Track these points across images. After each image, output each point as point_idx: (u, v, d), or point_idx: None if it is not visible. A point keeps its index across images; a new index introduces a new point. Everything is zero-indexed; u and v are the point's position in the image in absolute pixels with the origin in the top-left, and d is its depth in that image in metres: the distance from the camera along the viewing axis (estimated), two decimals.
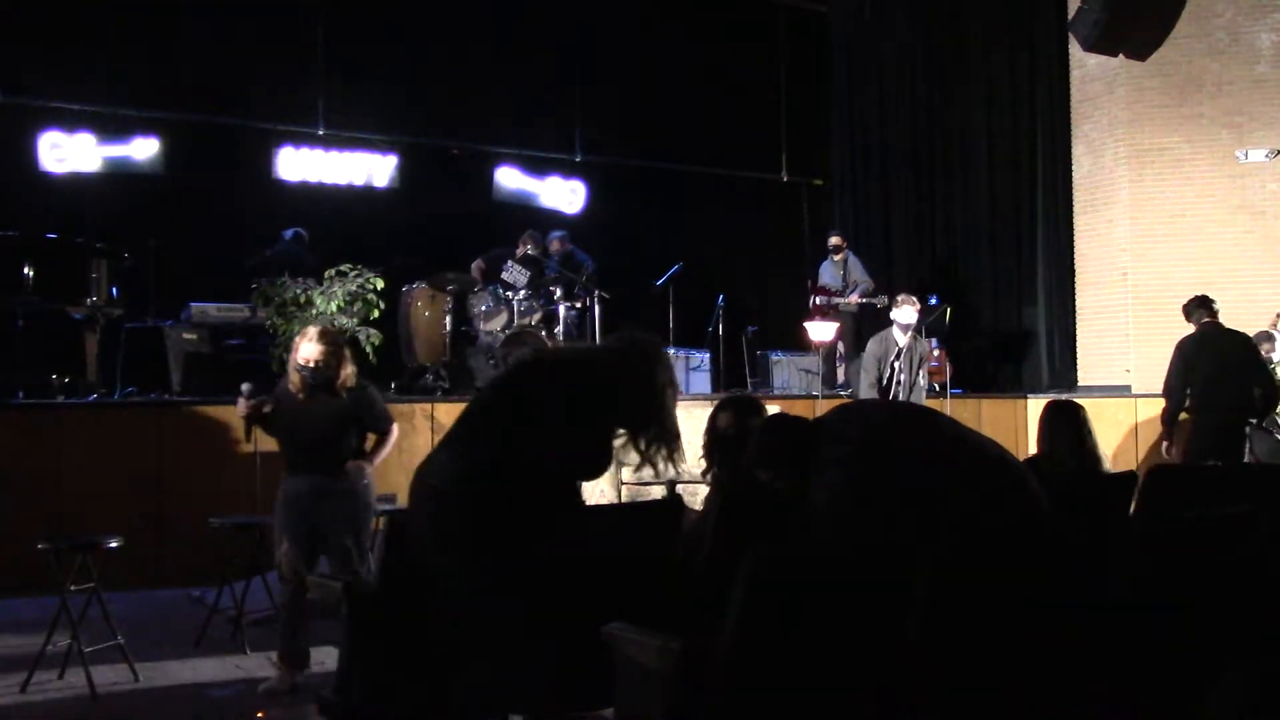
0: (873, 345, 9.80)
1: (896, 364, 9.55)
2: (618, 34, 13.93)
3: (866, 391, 9.67)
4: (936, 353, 11.16)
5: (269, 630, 6.44)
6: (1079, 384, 12.13)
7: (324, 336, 5.86)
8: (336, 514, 5.77)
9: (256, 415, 5.91)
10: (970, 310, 13.45)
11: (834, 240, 12.92)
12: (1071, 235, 12.46)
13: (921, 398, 9.63)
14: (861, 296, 12.47)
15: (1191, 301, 8.93)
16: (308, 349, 5.76)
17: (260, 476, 6.98)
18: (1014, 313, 13.39)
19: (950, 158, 13.99)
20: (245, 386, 5.96)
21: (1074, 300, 12.45)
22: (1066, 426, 5.44)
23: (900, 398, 9.47)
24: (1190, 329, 8.94)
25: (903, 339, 9.56)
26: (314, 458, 5.82)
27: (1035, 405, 11.00)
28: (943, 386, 10.95)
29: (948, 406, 9.99)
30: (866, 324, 12.33)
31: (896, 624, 3.09)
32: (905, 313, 9.62)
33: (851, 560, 3.25)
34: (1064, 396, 6.80)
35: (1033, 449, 5.93)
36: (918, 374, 9.65)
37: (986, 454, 3.79)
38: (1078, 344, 12.42)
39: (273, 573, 6.83)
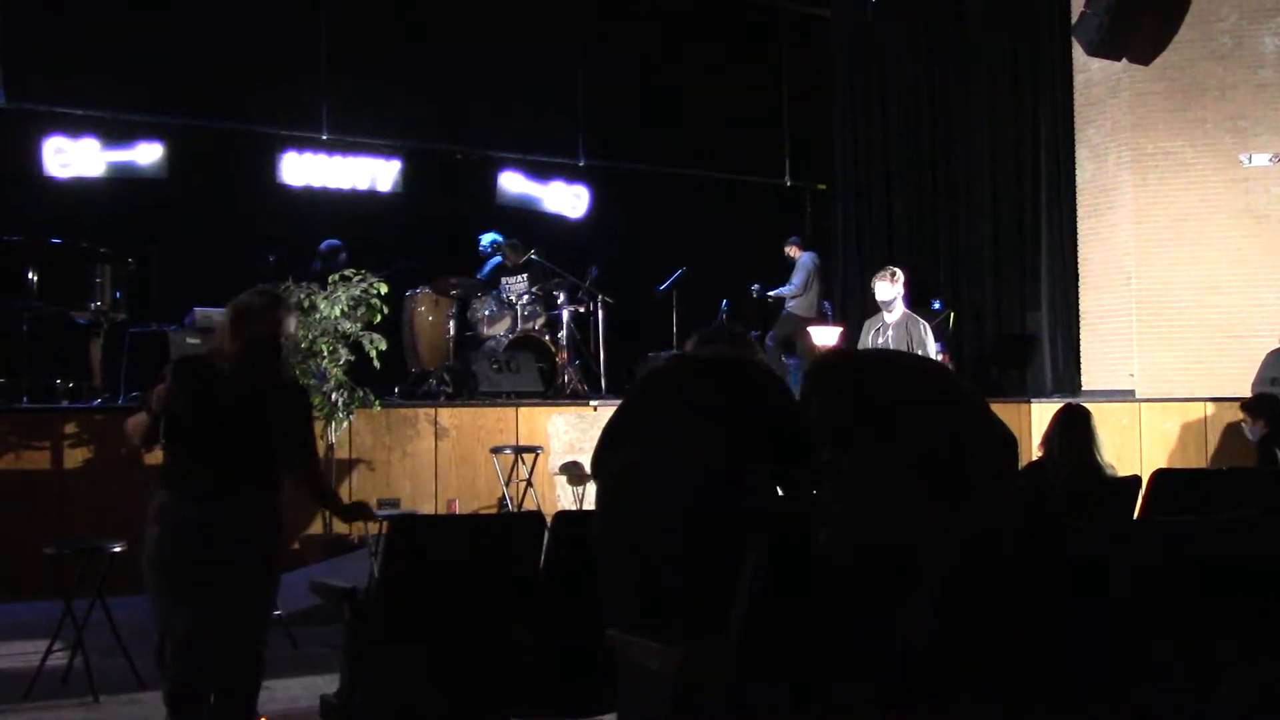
0: (865, 326, 9.48)
1: (881, 342, 9.13)
2: (621, 39, 13.95)
3: None
4: (941, 356, 11.05)
5: (275, 633, 6.44)
6: (1083, 388, 12.11)
7: (283, 300, 4.48)
8: (251, 558, 4.18)
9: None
10: (973, 314, 13.44)
11: (786, 250, 13.05)
12: (1075, 239, 12.45)
13: None
14: (774, 295, 12.55)
15: (1264, 404, 8.79)
16: (272, 312, 4.29)
17: None
18: (1017, 317, 13.38)
19: (953, 162, 13.98)
20: (169, 366, 4.26)
21: (1077, 304, 12.43)
22: (1078, 432, 5.44)
23: None
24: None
25: (889, 316, 9.08)
26: (239, 474, 4.18)
27: (1039, 409, 10.99)
28: None
29: None
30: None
31: (901, 625, 3.09)
32: (879, 289, 9.12)
33: (856, 561, 3.25)
34: (1072, 401, 6.78)
35: (1036, 454, 5.92)
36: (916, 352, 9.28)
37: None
38: (1081, 348, 12.41)
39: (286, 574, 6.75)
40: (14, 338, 8.81)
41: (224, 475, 4.13)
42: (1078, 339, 12.46)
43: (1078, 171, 12.42)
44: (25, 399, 8.57)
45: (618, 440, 3.90)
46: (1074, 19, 11.93)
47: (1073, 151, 12.49)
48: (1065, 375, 12.60)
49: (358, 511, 4.69)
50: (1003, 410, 11.52)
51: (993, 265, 13.56)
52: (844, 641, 3.12)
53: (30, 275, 8.72)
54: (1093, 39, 11.56)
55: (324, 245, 11.16)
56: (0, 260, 8.80)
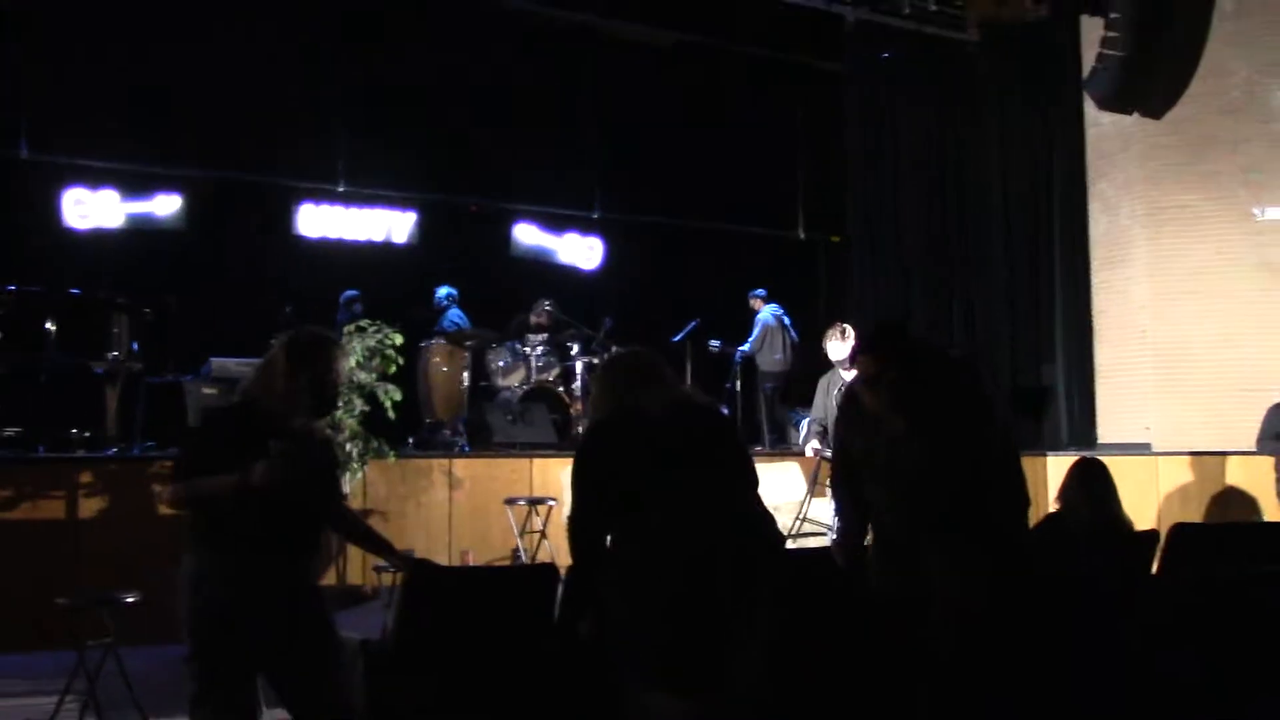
0: (820, 382, 8.71)
1: (836, 398, 8.12)
2: (635, 91, 14.04)
3: (809, 430, 8.85)
4: None
5: None
6: (1098, 441, 12.07)
7: (338, 341, 4.37)
8: (316, 622, 4.04)
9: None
10: (989, 367, 13.40)
11: (750, 303, 13.15)
12: (1089, 292, 12.45)
13: None
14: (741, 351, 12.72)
15: None
16: (330, 352, 4.09)
17: None
18: (1032, 369, 13.35)
19: (966, 215, 14.00)
20: (276, 443, 3.82)
21: (1093, 357, 12.42)
22: (1095, 485, 5.41)
23: None
24: None
25: (845, 374, 8.18)
26: (301, 530, 4.05)
27: (1055, 462, 10.96)
28: None
29: None
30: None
31: (918, 670, 3.08)
32: (831, 348, 8.42)
33: (870, 607, 3.24)
34: (1088, 454, 6.75)
35: (1052, 507, 5.89)
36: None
37: None
38: (1097, 401, 12.37)
39: None
40: (31, 388, 8.85)
41: (289, 534, 3.99)
42: (1093, 392, 12.42)
43: (1091, 225, 12.44)
44: (41, 448, 8.60)
45: (612, 494, 3.86)
46: (1086, 73, 12.00)
47: (1085, 204, 12.52)
48: (1080, 428, 12.56)
49: (415, 562, 4.38)
50: None
51: (1007, 317, 13.54)
52: (860, 685, 3.10)
53: (48, 325, 8.78)
54: (1104, 93, 11.62)
55: (343, 296, 11.29)
56: (20, 311, 8.85)
